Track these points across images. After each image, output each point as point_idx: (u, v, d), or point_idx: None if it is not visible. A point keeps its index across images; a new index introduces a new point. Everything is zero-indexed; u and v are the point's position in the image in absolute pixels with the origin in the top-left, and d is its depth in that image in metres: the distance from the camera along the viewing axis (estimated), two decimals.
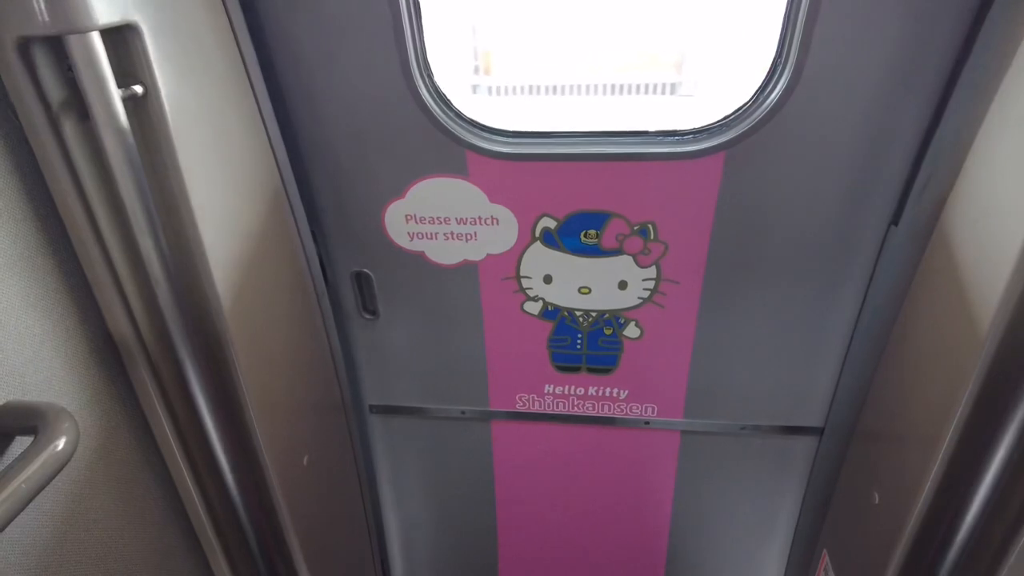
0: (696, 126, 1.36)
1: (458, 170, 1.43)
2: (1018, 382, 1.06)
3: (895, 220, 1.39)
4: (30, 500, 0.80)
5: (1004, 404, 1.08)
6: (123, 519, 1.14)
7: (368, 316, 1.71)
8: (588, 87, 4.66)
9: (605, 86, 4.67)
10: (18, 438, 0.91)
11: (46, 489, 0.96)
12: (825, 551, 1.70)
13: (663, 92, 4.68)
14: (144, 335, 1.12)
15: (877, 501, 1.41)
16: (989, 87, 1.12)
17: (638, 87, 4.65)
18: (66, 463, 0.85)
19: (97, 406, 1.07)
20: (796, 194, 1.38)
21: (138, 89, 0.97)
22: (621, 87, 4.66)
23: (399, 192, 1.48)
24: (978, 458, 1.14)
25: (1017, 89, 1.05)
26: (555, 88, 4.54)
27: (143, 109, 1.00)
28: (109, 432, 1.10)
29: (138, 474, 1.18)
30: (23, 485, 0.79)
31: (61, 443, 0.85)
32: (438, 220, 1.52)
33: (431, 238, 1.55)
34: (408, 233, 1.55)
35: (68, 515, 1.02)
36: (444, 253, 1.57)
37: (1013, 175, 1.03)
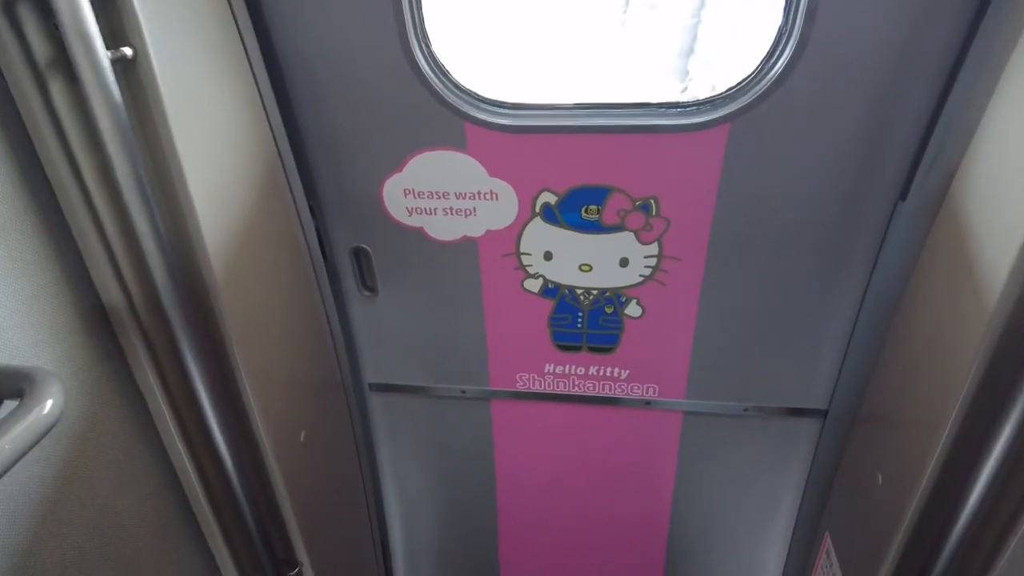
0: (699, 98, 1.33)
1: (456, 143, 1.41)
2: (1021, 364, 1.03)
3: (903, 195, 1.35)
4: (15, 462, 0.79)
5: (1009, 385, 1.05)
6: (116, 488, 1.14)
7: (367, 293, 1.70)
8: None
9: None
10: (5, 402, 0.90)
11: (36, 456, 0.96)
12: (827, 533, 1.68)
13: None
14: (136, 303, 1.11)
15: (880, 482, 1.39)
16: (1001, 58, 1.08)
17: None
18: (52, 426, 0.84)
19: (87, 373, 1.06)
20: (802, 168, 1.35)
21: (127, 51, 0.96)
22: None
23: (397, 166, 1.46)
24: (982, 439, 1.12)
25: None
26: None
27: (133, 72, 0.99)
28: (100, 400, 1.10)
29: (130, 443, 1.18)
30: (7, 447, 0.78)
31: (48, 406, 0.83)
32: (437, 195, 1.50)
33: (430, 213, 1.53)
34: (407, 208, 1.53)
35: (59, 482, 1.01)
36: (443, 229, 1.56)
37: (1021, 150, 1.00)
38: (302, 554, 1.53)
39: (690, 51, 4.63)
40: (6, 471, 0.79)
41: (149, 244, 1.04)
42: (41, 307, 0.97)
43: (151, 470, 1.23)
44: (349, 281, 1.69)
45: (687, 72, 4.64)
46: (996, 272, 1.02)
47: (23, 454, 0.81)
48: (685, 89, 4.51)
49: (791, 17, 1.21)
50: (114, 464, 1.13)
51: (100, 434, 1.10)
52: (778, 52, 1.25)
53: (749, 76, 1.29)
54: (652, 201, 1.44)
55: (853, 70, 1.23)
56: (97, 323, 1.08)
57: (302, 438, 1.50)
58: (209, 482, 1.33)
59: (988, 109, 1.11)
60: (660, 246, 1.50)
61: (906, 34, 1.17)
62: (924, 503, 1.23)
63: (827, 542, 1.67)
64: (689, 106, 1.34)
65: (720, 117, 1.31)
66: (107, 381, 1.11)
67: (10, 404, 0.90)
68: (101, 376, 1.09)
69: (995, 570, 1.18)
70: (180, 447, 1.25)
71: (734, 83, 1.31)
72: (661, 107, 1.36)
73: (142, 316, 1.12)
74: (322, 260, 1.59)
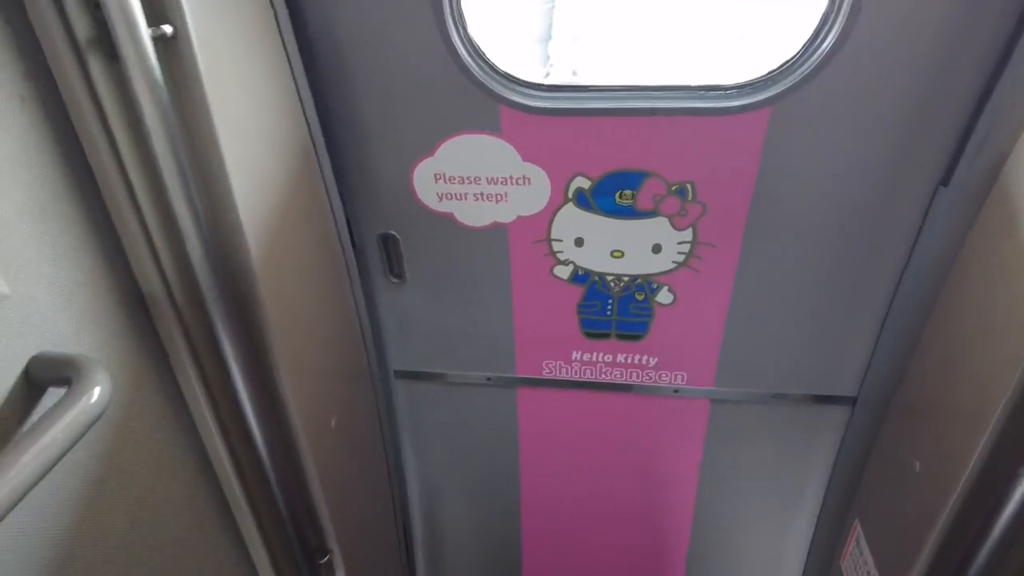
0: (740, 80, 1.31)
1: (491, 126, 1.39)
2: None
3: (945, 181, 1.33)
4: (65, 453, 0.78)
5: None
6: (154, 477, 1.12)
7: (394, 280, 1.68)
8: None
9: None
10: (50, 389, 0.88)
11: (79, 445, 0.94)
12: (857, 520, 1.67)
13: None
14: (174, 291, 1.09)
15: (918, 471, 1.37)
16: None
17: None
18: (100, 415, 0.82)
19: (126, 361, 1.05)
20: (843, 153, 1.33)
21: (167, 29, 0.93)
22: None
23: (429, 150, 1.44)
24: None
25: None
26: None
27: (173, 51, 0.96)
28: (138, 387, 1.08)
29: (167, 430, 1.16)
30: (58, 436, 0.77)
31: (95, 395, 0.82)
32: (468, 180, 1.48)
33: (461, 199, 1.51)
34: (437, 193, 1.51)
35: (100, 472, 1.00)
36: (474, 215, 1.53)
37: None
38: (332, 541, 1.53)
39: (548, 37, 4.69)
40: (57, 462, 0.77)
41: (188, 227, 1.02)
42: (81, 294, 0.95)
43: (188, 459, 1.21)
44: (377, 268, 1.67)
45: (548, 57, 4.69)
46: None
47: (73, 444, 0.79)
48: (548, 75, 4.59)
49: None
50: (152, 453, 1.12)
51: (139, 423, 1.08)
52: (824, 33, 1.22)
53: (792, 59, 1.26)
54: (688, 186, 1.42)
55: (899, 53, 1.20)
56: (136, 311, 1.06)
57: (333, 425, 1.49)
58: (243, 470, 1.32)
59: None
60: (695, 232, 1.48)
61: (957, 13, 1.15)
62: (966, 494, 1.22)
63: (857, 529, 1.67)
64: (729, 89, 1.31)
65: (761, 100, 1.28)
66: (145, 369, 1.09)
67: (54, 392, 0.89)
68: (140, 364, 1.08)
69: None
70: (216, 436, 1.23)
71: (776, 66, 1.28)
72: (700, 89, 1.33)
73: (180, 304, 1.10)
74: (351, 247, 1.57)
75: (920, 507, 1.34)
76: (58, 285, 0.91)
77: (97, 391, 0.82)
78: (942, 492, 1.26)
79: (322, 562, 1.51)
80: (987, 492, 1.19)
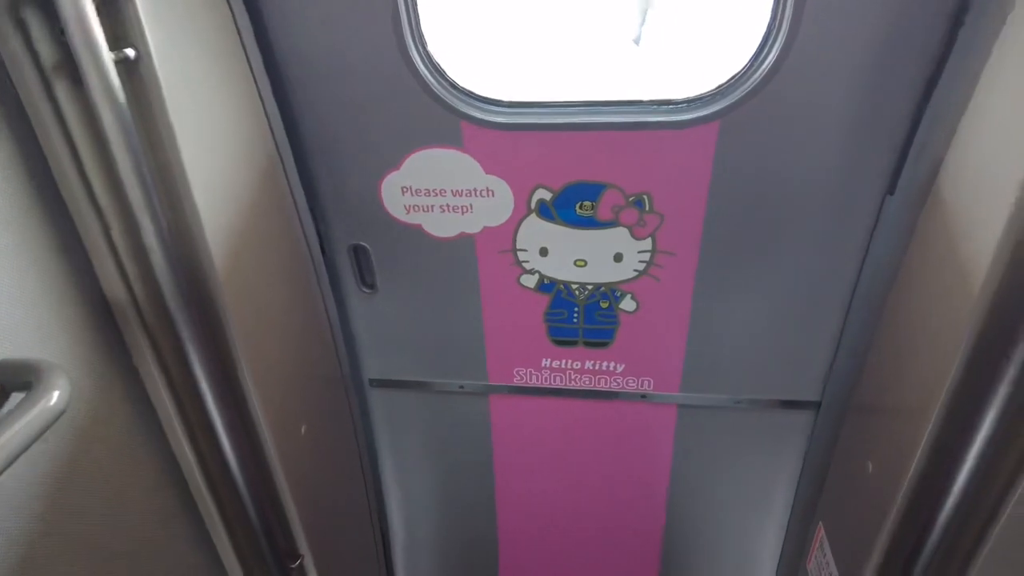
0: (691, 95, 1.36)
1: (453, 141, 1.44)
2: (1005, 351, 1.06)
3: (891, 189, 1.38)
4: (21, 452, 0.82)
5: (992, 373, 1.08)
6: (121, 480, 1.16)
7: (366, 290, 1.73)
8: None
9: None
10: (14, 394, 0.93)
11: (42, 448, 0.99)
12: (821, 524, 1.70)
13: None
14: (140, 299, 1.14)
15: (871, 471, 1.41)
16: (982, 51, 1.11)
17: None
18: (58, 417, 0.86)
19: (92, 367, 1.09)
20: (792, 163, 1.38)
21: (130, 52, 0.98)
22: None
23: (395, 164, 1.49)
24: (967, 427, 1.14)
25: (1010, 51, 1.05)
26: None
27: (136, 73, 1.01)
28: (104, 394, 1.12)
29: (135, 437, 1.20)
30: (15, 437, 0.81)
31: (54, 397, 0.86)
32: (434, 192, 1.53)
33: (428, 210, 1.56)
34: (405, 206, 1.56)
35: (64, 475, 1.04)
36: (441, 226, 1.58)
37: (1005, 138, 1.03)
38: (303, 546, 1.56)
39: None
40: (13, 461, 0.81)
41: (152, 240, 1.07)
42: (46, 301, 1.00)
43: (155, 463, 1.25)
44: (349, 278, 1.72)
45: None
46: (980, 262, 1.05)
47: (29, 444, 0.83)
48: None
49: (779, 15, 1.23)
50: (118, 457, 1.16)
51: (104, 428, 1.12)
52: (767, 48, 1.27)
53: (738, 73, 1.31)
54: (645, 197, 1.47)
55: (840, 67, 1.25)
56: (101, 318, 1.11)
57: (303, 432, 1.53)
58: (211, 475, 1.36)
59: (971, 102, 1.14)
60: (654, 241, 1.53)
61: (891, 30, 1.20)
62: (912, 491, 1.25)
63: (820, 532, 1.70)
64: (680, 103, 1.36)
65: (710, 114, 1.33)
66: (111, 375, 1.13)
67: (17, 397, 0.93)
68: (105, 370, 1.12)
69: (980, 557, 1.20)
70: (183, 441, 1.27)
71: (723, 80, 1.33)
72: (652, 104, 1.38)
73: (145, 312, 1.15)
74: (322, 257, 1.61)
75: (872, 507, 1.38)
76: (23, 293, 0.96)
77: (56, 395, 0.86)
78: (891, 491, 1.29)
79: (293, 566, 1.54)
80: (931, 489, 1.23)
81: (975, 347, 1.08)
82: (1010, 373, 1.06)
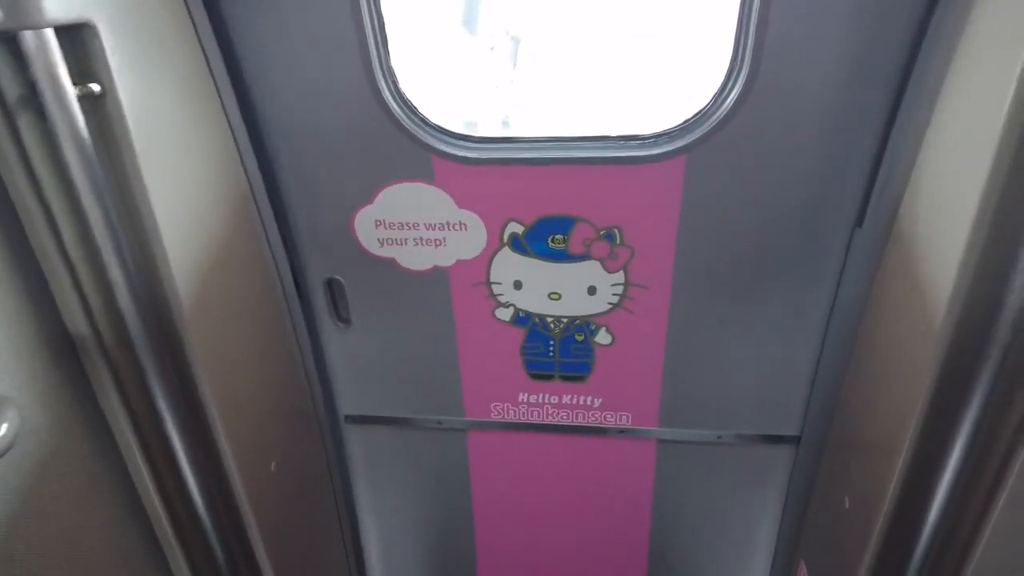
0: (656, 130, 1.38)
1: (425, 175, 1.45)
2: (969, 382, 1.05)
3: (859, 221, 1.39)
4: None
5: (958, 404, 1.07)
6: (79, 515, 1.14)
7: (341, 324, 1.72)
8: None
9: None
10: None
11: None
12: (802, 561, 1.67)
13: None
14: (102, 332, 1.13)
15: (848, 506, 1.39)
16: (937, 84, 1.13)
17: None
18: (6, 452, 0.85)
19: (50, 400, 1.08)
20: (759, 197, 1.39)
21: (95, 87, 0.99)
22: None
23: (368, 198, 1.50)
24: (938, 458, 1.13)
25: (961, 84, 1.07)
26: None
27: (101, 109, 1.02)
28: (63, 428, 1.11)
29: (96, 473, 1.18)
30: None
31: (1, 430, 0.85)
32: (407, 226, 1.53)
33: (401, 244, 1.56)
34: (378, 239, 1.56)
35: (19, 508, 1.02)
36: (414, 259, 1.59)
37: (958, 170, 1.04)
38: None
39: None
40: None
41: (115, 274, 1.07)
42: (4, 333, 0.99)
43: (116, 498, 1.23)
44: (323, 312, 1.71)
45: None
46: (941, 294, 1.05)
47: None
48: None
49: (740, 51, 1.26)
50: (77, 492, 1.14)
51: (63, 461, 1.10)
52: (729, 84, 1.30)
53: (703, 109, 1.34)
54: (616, 230, 1.48)
55: (802, 103, 1.27)
56: (62, 351, 1.10)
57: (272, 468, 1.50)
58: (175, 511, 1.33)
59: (927, 133, 1.15)
60: (626, 274, 1.53)
61: (849, 67, 1.22)
62: (888, 525, 1.23)
63: (802, 570, 1.66)
64: (647, 138, 1.38)
65: (676, 149, 1.35)
66: (71, 409, 1.12)
67: None
68: (65, 404, 1.11)
69: None
70: (146, 476, 1.25)
71: (689, 116, 1.35)
72: (620, 139, 1.40)
73: (108, 345, 1.14)
74: (295, 291, 1.61)
75: (851, 544, 1.35)
76: None
77: (4, 427, 0.85)
78: (867, 527, 1.27)
79: None
80: (907, 523, 1.21)
81: (939, 381, 1.07)
82: (975, 404, 1.06)
